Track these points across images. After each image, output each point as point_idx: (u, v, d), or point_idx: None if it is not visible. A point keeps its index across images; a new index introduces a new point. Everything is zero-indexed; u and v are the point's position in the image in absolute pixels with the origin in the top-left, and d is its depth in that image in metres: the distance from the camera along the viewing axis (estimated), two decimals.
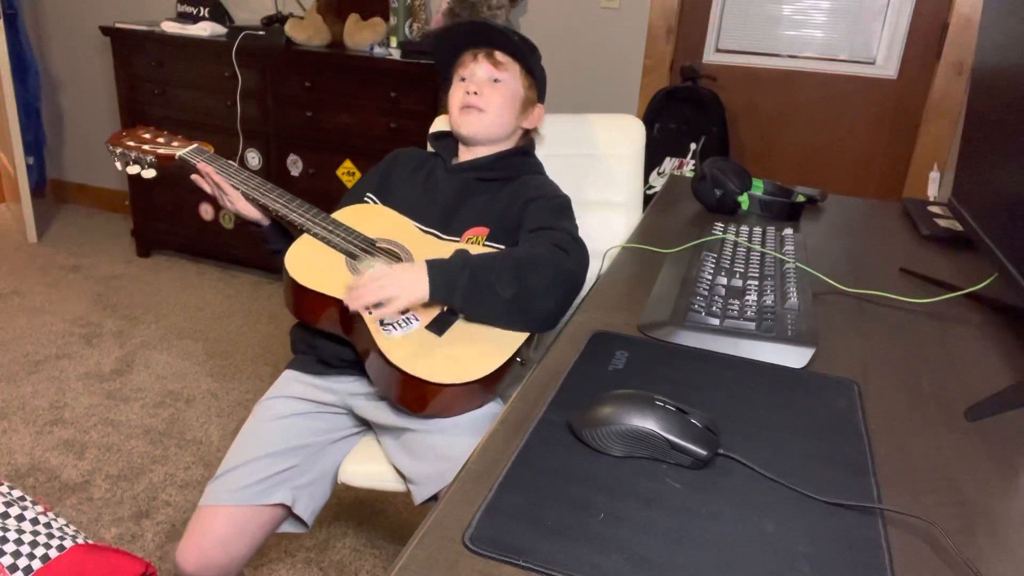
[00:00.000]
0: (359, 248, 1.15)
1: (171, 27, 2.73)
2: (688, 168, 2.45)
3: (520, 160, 1.28)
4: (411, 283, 0.99)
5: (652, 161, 2.46)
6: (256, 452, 1.07)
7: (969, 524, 0.57)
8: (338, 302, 1.06)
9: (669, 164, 2.49)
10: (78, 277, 2.87)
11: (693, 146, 2.46)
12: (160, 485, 1.79)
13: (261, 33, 2.65)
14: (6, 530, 0.83)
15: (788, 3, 2.50)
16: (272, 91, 2.64)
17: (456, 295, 1.00)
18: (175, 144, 1.33)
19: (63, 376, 2.21)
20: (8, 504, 0.88)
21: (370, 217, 1.23)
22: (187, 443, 1.92)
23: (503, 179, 1.24)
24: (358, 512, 1.77)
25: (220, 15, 2.81)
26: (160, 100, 2.81)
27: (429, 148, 1.36)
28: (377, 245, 1.17)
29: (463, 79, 1.24)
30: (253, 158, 2.71)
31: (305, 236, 1.17)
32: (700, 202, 1.32)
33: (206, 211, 2.89)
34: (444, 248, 1.14)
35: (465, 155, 1.28)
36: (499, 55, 1.23)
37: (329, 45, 2.64)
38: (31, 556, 0.82)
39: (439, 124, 1.47)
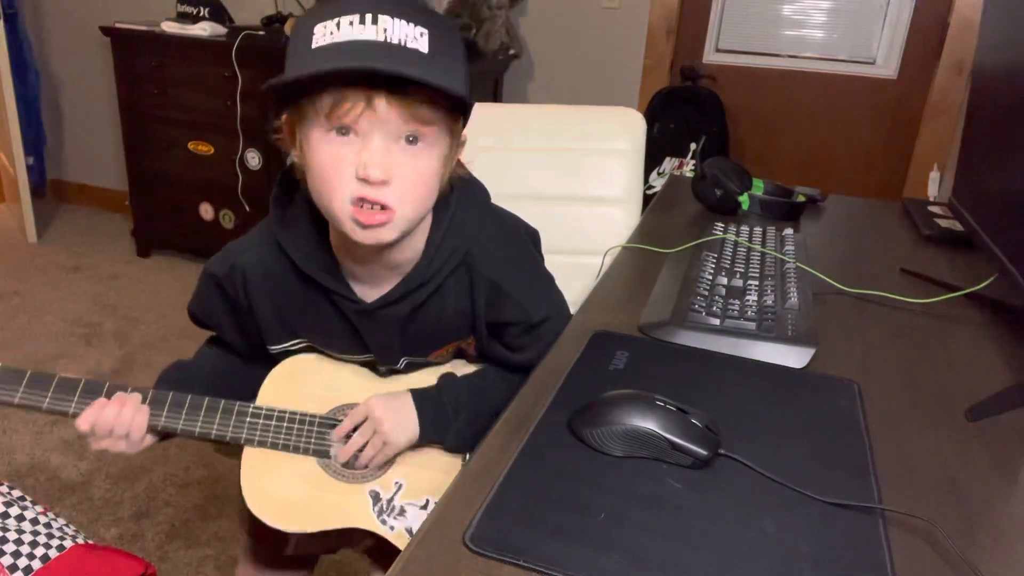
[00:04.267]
0: (324, 441, 0.89)
1: (171, 27, 2.73)
2: (688, 168, 2.45)
3: (454, 244, 0.84)
4: (401, 431, 0.86)
5: (652, 161, 2.46)
6: None
7: (969, 524, 0.56)
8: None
9: (669, 164, 2.49)
10: (78, 277, 2.87)
11: (693, 146, 2.46)
12: (160, 485, 1.79)
13: (261, 33, 2.65)
14: (6, 530, 0.83)
15: (788, 3, 2.50)
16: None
17: (448, 435, 0.88)
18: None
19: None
20: (8, 504, 0.88)
21: (303, 381, 0.93)
22: (187, 443, 1.92)
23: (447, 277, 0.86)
24: None
25: (220, 15, 2.80)
26: (160, 100, 2.80)
27: (293, 251, 0.85)
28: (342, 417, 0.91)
29: (344, 131, 0.71)
30: (253, 158, 2.71)
31: (248, 450, 0.89)
32: (700, 202, 1.32)
33: (206, 211, 2.89)
34: (421, 382, 0.93)
35: (364, 274, 0.85)
36: (412, 98, 0.70)
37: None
38: (31, 556, 0.82)
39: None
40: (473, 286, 0.87)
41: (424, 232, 0.85)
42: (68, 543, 0.86)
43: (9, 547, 0.81)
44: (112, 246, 3.18)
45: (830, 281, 0.97)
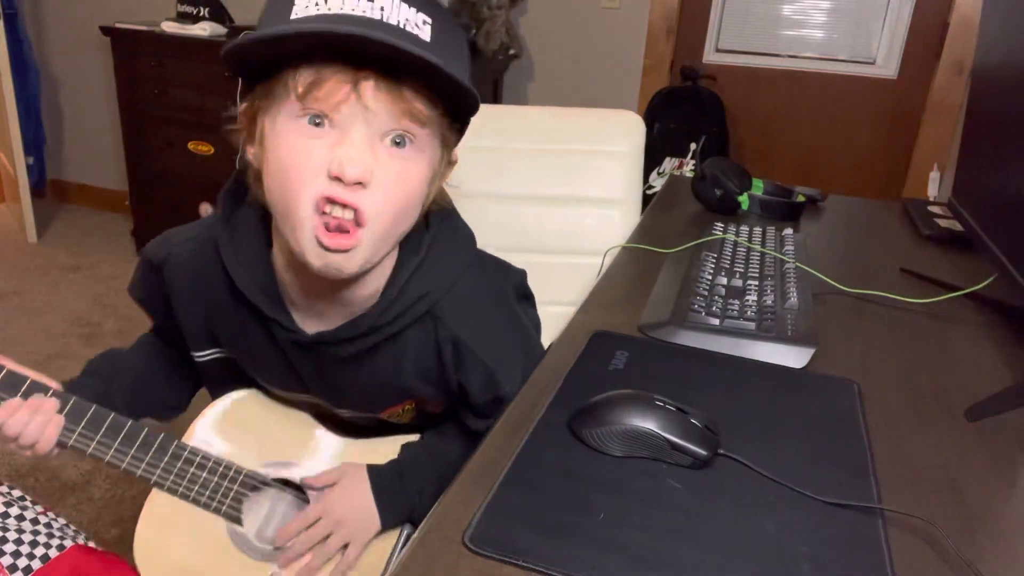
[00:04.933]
0: (240, 503, 0.78)
1: (171, 27, 2.73)
2: (688, 168, 2.45)
3: (421, 290, 0.72)
4: (362, 531, 0.76)
5: (652, 161, 2.46)
6: None
7: (969, 524, 0.56)
8: None
9: (669, 164, 2.49)
10: (78, 277, 2.87)
11: (693, 146, 2.46)
12: None
13: None
14: (6, 530, 0.83)
15: (788, 3, 2.50)
16: None
17: (415, 515, 0.79)
18: None
19: (63, 376, 2.21)
20: (8, 504, 0.88)
21: (241, 424, 0.81)
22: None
23: (410, 323, 0.73)
24: None
25: (220, 15, 2.80)
26: (160, 100, 2.80)
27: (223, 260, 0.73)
28: (272, 480, 0.80)
29: (319, 120, 0.60)
30: None
31: (156, 495, 0.78)
32: (700, 202, 1.32)
33: (206, 211, 2.89)
34: (372, 450, 0.82)
35: (308, 305, 0.73)
36: (407, 90, 0.60)
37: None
38: (31, 556, 0.82)
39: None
40: (439, 344, 0.74)
41: (386, 271, 0.72)
42: (68, 543, 0.86)
43: (9, 547, 0.81)
44: (112, 246, 3.18)
45: (830, 281, 0.97)
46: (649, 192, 2.41)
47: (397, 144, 0.62)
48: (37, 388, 0.76)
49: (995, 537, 0.55)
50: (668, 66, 2.62)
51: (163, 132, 2.85)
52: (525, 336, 0.82)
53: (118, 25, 2.78)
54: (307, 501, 0.81)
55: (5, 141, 3.06)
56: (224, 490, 0.78)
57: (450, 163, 0.72)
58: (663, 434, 0.60)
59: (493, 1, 2.47)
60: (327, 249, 0.61)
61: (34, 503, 0.91)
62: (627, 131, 1.40)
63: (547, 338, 0.86)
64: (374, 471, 0.79)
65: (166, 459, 0.76)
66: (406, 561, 0.50)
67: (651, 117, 2.48)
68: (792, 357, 0.79)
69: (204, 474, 0.77)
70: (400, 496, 0.78)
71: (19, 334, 2.42)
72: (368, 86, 0.59)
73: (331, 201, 0.60)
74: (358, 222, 0.61)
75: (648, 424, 0.60)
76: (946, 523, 0.55)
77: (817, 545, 0.52)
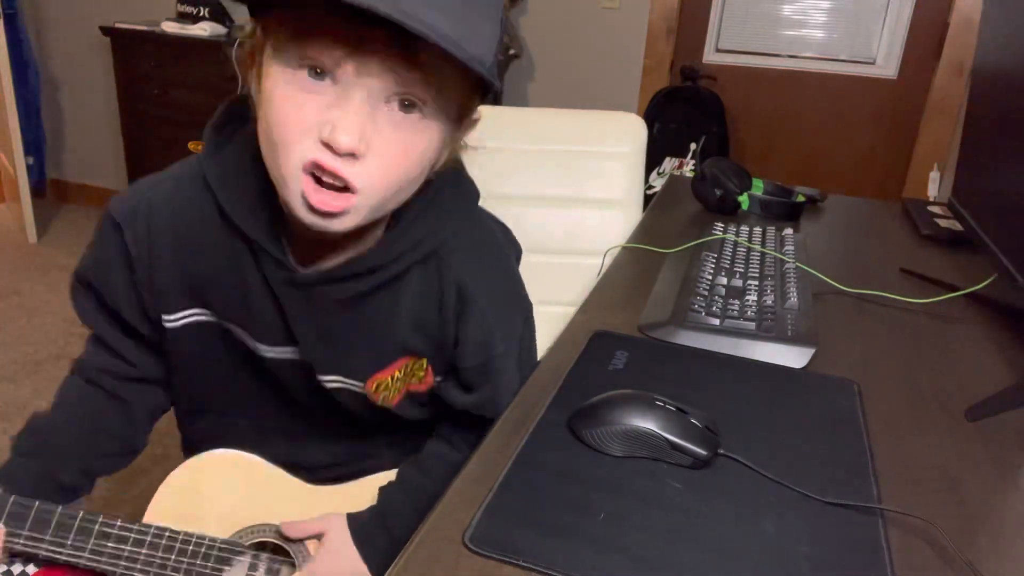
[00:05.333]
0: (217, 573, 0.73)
1: (171, 27, 2.73)
2: (688, 168, 2.45)
3: (427, 230, 0.68)
4: None
5: (652, 161, 2.46)
6: None
7: (969, 524, 0.56)
8: None
9: (669, 164, 2.49)
10: None
11: (693, 146, 2.46)
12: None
13: None
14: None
15: (788, 3, 2.50)
16: None
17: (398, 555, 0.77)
18: None
19: (63, 376, 2.21)
20: None
21: (207, 491, 0.75)
22: None
23: (412, 265, 0.69)
24: None
25: (220, 15, 2.80)
26: (160, 100, 2.80)
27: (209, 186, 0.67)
28: (247, 546, 0.75)
29: (319, 73, 0.54)
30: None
31: None
32: (700, 202, 1.32)
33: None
34: (346, 493, 0.77)
35: (305, 241, 0.68)
36: (424, 56, 0.54)
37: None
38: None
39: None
40: (443, 288, 0.69)
41: (387, 218, 0.67)
42: None
43: None
44: None
45: (830, 281, 0.97)
46: (649, 192, 2.41)
47: (405, 107, 0.56)
48: None
49: (995, 537, 0.55)
50: (668, 66, 2.62)
51: (163, 132, 2.85)
52: (523, 299, 0.79)
53: (118, 25, 2.78)
54: (284, 561, 0.77)
55: (5, 141, 3.06)
56: (199, 567, 0.71)
57: (471, 122, 0.65)
58: (663, 434, 0.60)
59: None
60: (314, 209, 0.57)
61: None
62: (628, 132, 1.41)
63: (547, 338, 0.86)
64: (355, 521, 0.74)
65: (128, 547, 0.69)
66: (406, 561, 0.50)
67: (651, 117, 2.48)
68: (792, 357, 0.79)
69: (174, 555, 0.70)
70: (385, 542, 0.73)
71: (19, 334, 2.42)
72: (377, 41, 0.52)
73: (319, 168, 0.55)
74: (346, 192, 0.57)
75: (648, 424, 0.60)
76: (946, 523, 0.55)
77: (817, 545, 0.52)
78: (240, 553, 0.74)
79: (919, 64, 2.43)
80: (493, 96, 0.64)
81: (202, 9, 2.79)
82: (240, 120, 0.67)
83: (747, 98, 2.62)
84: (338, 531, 0.73)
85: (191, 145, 2.81)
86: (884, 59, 2.47)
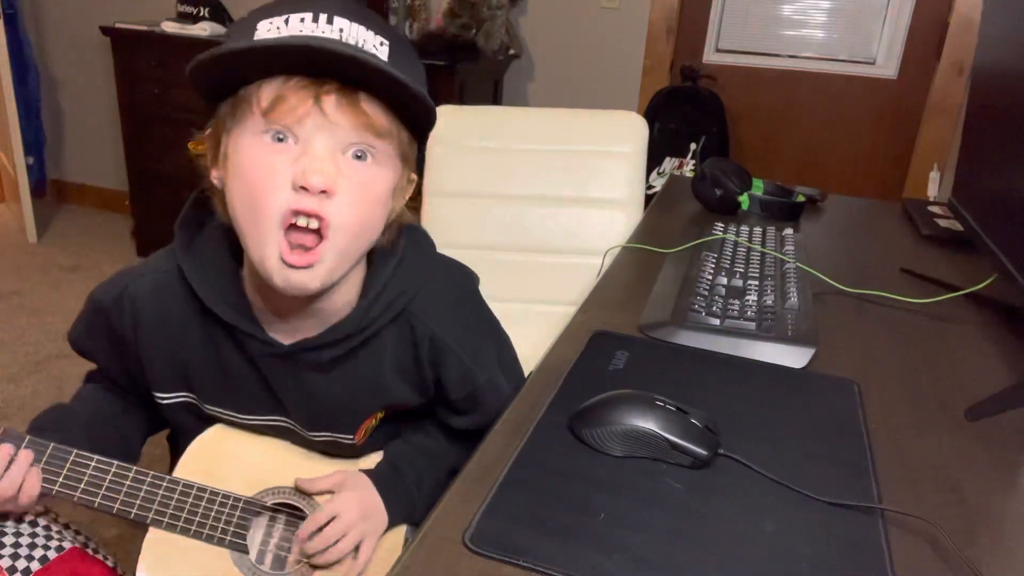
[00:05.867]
0: (244, 530, 0.77)
1: (171, 27, 2.73)
2: (688, 168, 2.45)
3: (398, 289, 0.75)
4: (372, 524, 0.76)
5: (652, 161, 2.46)
6: None
7: (969, 524, 0.56)
8: None
9: (669, 164, 2.49)
10: (78, 277, 2.87)
11: (693, 146, 2.46)
12: None
13: None
14: (5, 531, 0.83)
15: (788, 3, 2.50)
16: None
17: (415, 515, 0.80)
18: None
19: (63, 376, 2.21)
20: None
21: (227, 456, 0.80)
22: None
23: (386, 325, 0.75)
24: None
25: (220, 15, 2.80)
26: (160, 100, 2.80)
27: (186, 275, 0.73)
28: (269, 505, 0.79)
29: (281, 136, 0.62)
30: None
31: (151, 537, 0.75)
32: (700, 202, 1.32)
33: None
34: (356, 463, 0.83)
35: (281, 322, 0.73)
36: (366, 104, 0.63)
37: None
38: (29, 557, 0.82)
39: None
40: (416, 342, 0.76)
41: (357, 282, 0.74)
42: (67, 544, 0.86)
43: (7, 549, 0.81)
44: (112, 246, 3.18)
45: (830, 281, 0.97)
46: (649, 192, 2.41)
47: (358, 157, 0.64)
48: (9, 439, 0.72)
49: (995, 537, 0.55)
50: (668, 66, 2.62)
51: (163, 132, 2.85)
52: (493, 327, 0.86)
53: (118, 25, 2.78)
54: (302, 519, 0.80)
55: (5, 141, 3.06)
56: (226, 519, 0.76)
57: (410, 181, 0.74)
58: (663, 434, 0.60)
59: (493, 1, 2.47)
60: (290, 266, 0.63)
61: None
62: (630, 132, 1.40)
63: (547, 338, 0.86)
64: (369, 472, 0.80)
65: (161, 493, 0.74)
66: (406, 561, 0.50)
67: (651, 117, 2.48)
68: (792, 357, 0.79)
69: (203, 505, 0.75)
70: (400, 489, 0.79)
71: (19, 334, 2.42)
72: (330, 100, 0.61)
73: (297, 213, 0.62)
74: (321, 234, 0.63)
75: (648, 424, 0.60)
76: (946, 523, 0.55)
77: (817, 545, 0.52)
78: (259, 514, 0.78)
79: (919, 64, 2.43)
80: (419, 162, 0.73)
81: (202, 9, 2.79)
82: (203, 215, 0.75)
83: (747, 98, 2.62)
84: (356, 477, 0.78)
85: (191, 145, 2.80)
86: (884, 59, 2.47)
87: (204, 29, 2.69)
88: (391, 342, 0.76)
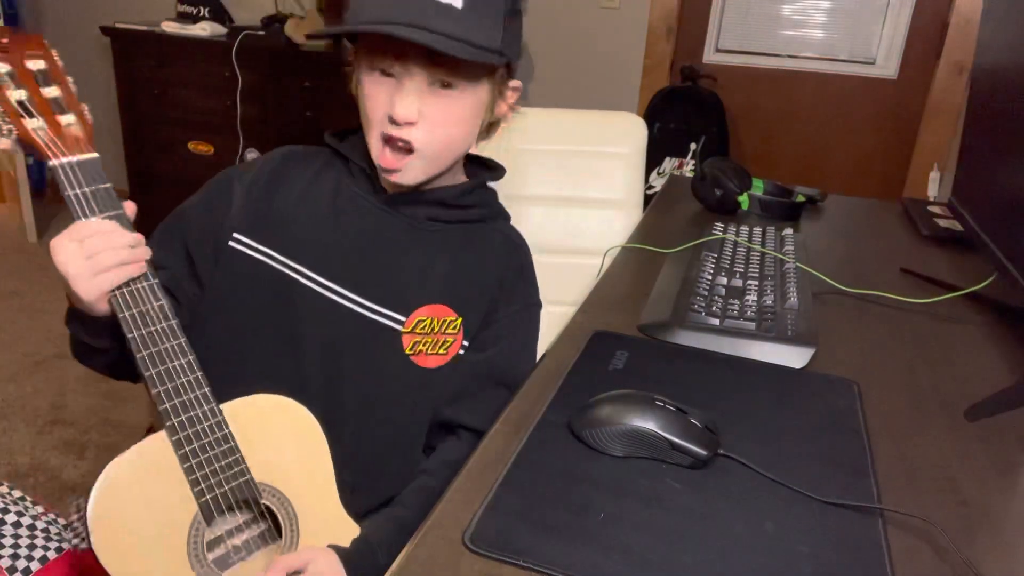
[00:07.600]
0: (226, 503, 0.72)
1: (171, 27, 2.73)
2: (688, 168, 2.45)
3: (487, 195, 0.94)
4: None
5: (652, 161, 2.46)
6: None
7: (969, 524, 0.56)
8: None
9: (669, 164, 2.49)
10: None
11: (693, 146, 2.46)
12: None
13: (261, 33, 2.65)
14: (4, 531, 0.83)
15: (788, 3, 2.50)
16: (272, 91, 2.63)
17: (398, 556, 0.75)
18: (61, 125, 0.79)
19: (63, 376, 2.21)
20: (7, 505, 0.88)
21: (268, 424, 0.75)
22: None
23: (471, 221, 0.90)
24: None
25: (220, 15, 2.80)
26: (160, 100, 2.80)
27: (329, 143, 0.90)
28: (261, 503, 0.74)
29: (386, 72, 0.79)
30: (253, 157, 2.71)
31: (153, 440, 0.72)
32: (700, 202, 1.32)
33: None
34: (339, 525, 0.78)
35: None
36: (448, 60, 0.76)
37: (329, 45, 2.64)
38: (29, 558, 0.82)
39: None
40: (509, 256, 0.92)
41: (461, 178, 0.91)
42: (67, 545, 0.86)
43: (7, 550, 0.81)
44: None
45: (830, 281, 0.97)
46: (649, 192, 2.41)
47: (444, 86, 0.79)
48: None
49: (995, 537, 0.55)
50: (668, 66, 2.62)
51: (163, 132, 2.85)
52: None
53: (118, 25, 2.78)
54: (275, 538, 0.76)
55: None
56: (222, 479, 0.71)
57: (508, 89, 0.86)
58: (663, 434, 0.60)
59: None
60: (387, 171, 0.82)
61: (34, 503, 0.91)
62: (629, 133, 1.41)
63: (547, 338, 0.86)
64: (340, 550, 0.75)
65: (193, 400, 0.70)
66: (406, 561, 0.50)
67: (651, 117, 2.48)
68: (792, 357, 0.79)
69: (217, 449, 0.71)
70: (370, 562, 0.75)
71: (19, 334, 2.42)
72: (414, 50, 0.76)
73: (389, 139, 0.80)
74: (409, 150, 0.80)
75: (648, 424, 0.60)
76: (946, 523, 0.55)
77: (817, 545, 0.52)
78: (246, 500, 0.73)
79: (919, 64, 2.43)
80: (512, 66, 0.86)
81: (202, 9, 2.79)
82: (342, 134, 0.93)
83: (747, 98, 2.62)
84: (324, 555, 0.74)
85: (191, 145, 2.81)
86: (884, 59, 2.47)
87: (204, 29, 2.69)
88: (497, 243, 0.91)
